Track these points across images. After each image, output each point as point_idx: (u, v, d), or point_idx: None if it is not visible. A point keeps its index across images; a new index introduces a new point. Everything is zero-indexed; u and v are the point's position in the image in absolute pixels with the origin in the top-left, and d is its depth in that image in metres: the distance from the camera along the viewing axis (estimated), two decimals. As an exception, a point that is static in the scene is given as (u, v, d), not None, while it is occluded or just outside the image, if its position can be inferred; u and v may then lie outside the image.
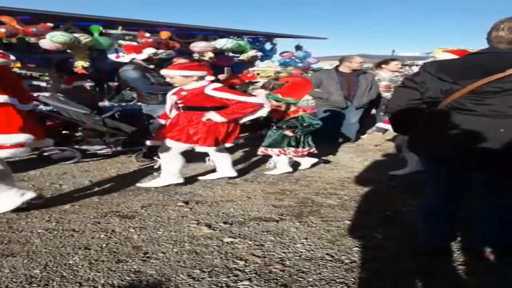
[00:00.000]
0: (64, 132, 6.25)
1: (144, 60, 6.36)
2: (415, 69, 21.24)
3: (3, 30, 7.12)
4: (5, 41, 7.68)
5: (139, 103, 6.72)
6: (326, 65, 24.11)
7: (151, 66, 6.44)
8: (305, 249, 3.32)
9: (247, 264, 3.07)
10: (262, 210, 4.20)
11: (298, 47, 12.07)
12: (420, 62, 21.90)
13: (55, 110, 6.05)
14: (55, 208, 4.12)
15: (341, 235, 3.59)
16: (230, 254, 3.21)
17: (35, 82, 10.01)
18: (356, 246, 3.36)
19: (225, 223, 3.84)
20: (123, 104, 8.25)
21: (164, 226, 3.74)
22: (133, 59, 6.38)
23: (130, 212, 4.07)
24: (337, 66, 7.37)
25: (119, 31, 9.37)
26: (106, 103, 8.27)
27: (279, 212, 4.13)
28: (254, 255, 3.21)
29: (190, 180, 5.13)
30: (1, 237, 3.44)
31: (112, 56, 9.46)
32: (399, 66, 7.67)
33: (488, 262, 3.03)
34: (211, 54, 9.69)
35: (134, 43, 9.37)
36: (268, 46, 11.85)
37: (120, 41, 9.42)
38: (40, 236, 3.48)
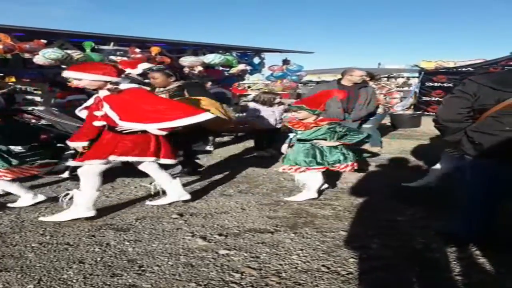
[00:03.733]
0: (58, 145, 6.11)
1: (139, 75, 6.27)
2: (401, 80, 21.45)
3: (0, 46, 7.06)
4: (0, 57, 7.62)
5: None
6: (314, 77, 24.23)
7: (146, 81, 6.35)
8: (301, 261, 3.23)
9: (243, 276, 2.97)
10: (257, 221, 4.11)
11: (285, 61, 12.11)
12: (406, 74, 22.13)
13: (49, 123, 5.94)
14: (49, 222, 4.00)
15: (336, 246, 3.51)
16: (225, 267, 3.11)
17: (29, 97, 9.90)
18: (352, 257, 3.27)
19: (220, 235, 3.74)
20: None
21: (159, 239, 3.63)
22: (128, 73, 6.29)
23: (124, 224, 3.96)
24: (339, 79, 7.26)
25: (111, 47, 9.37)
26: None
27: (274, 224, 4.03)
28: (250, 267, 3.11)
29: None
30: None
31: None
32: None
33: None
34: (200, 68, 9.70)
35: (125, 58, 9.35)
36: (256, 60, 11.90)
37: (112, 57, 9.41)
38: (34, 250, 3.37)
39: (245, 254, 3.32)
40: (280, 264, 3.16)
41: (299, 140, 4.94)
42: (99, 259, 3.23)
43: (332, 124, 4.95)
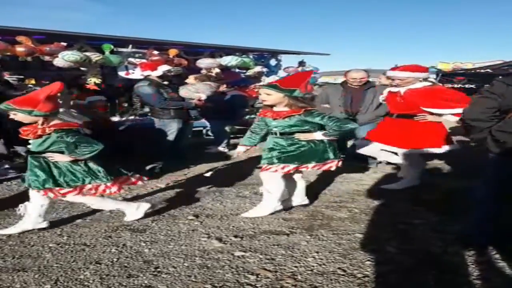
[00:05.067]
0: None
1: (158, 77, 6.29)
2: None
3: (22, 49, 7.17)
4: (20, 59, 7.71)
5: (152, 118, 6.62)
6: (330, 79, 24.12)
7: (165, 83, 6.37)
8: (317, 263, 3.20)
9: (258, 278, 2.96)
10: (273, 223, 4.08)
11: (301, 63, 12.06)
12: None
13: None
14: (67, 222, 4.02)
15: (352, 248, 3.47)
16: (241, 269, 3.10)
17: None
18: (369, 260, 3.24)
19: (235, 236, 3.73)
20: (135, 118, 8.21)
21: (175, 240, 3.63)
22: (148, 75, 6.32)
23: (140, 225, 3.96)
24: (344, 81, 7.00)
25: (129, 49, 9.45)
26: (117, 118, 8.23)
27: (290, 226, 4.00)
28: (265, 269, 3.09)
29: (199, 193, 5.01)
30: (13, 252, 3.35)
31: (122, 73, 9.53)
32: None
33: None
34: (217, 70, 9.73)
35: (144, 60, 9.42)
36: (273, 62, 11.89)
37: (130, 59, 9.49)
38: (52, 250, 3.38)
39: (261, 256, 3.31)
40: (296, 266, 3.14)
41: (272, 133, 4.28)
42: (115, 259, 3.24)
43: (314, 112, 4.16)
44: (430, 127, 5.16)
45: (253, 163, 6.65)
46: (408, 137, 5.16)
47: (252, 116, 10.11)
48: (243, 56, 10.28)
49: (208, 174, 5.94)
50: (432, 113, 5.08)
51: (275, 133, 4.22)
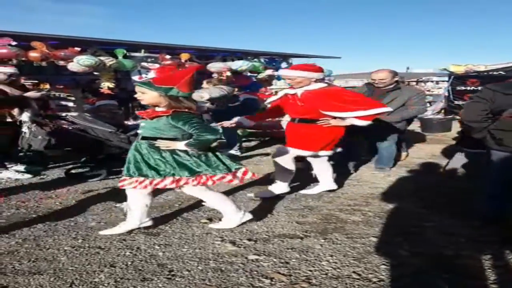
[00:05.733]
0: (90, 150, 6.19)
1: None
2: (430, 85, 21.12)
3: (37, 54, 7.25)
4: (35, 64, 7.79)
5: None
6: (342, 82, 24.10)
7: None
8: (331, 267, 3.17)
9: (272, 282, 2.93)
10: (286, 226, 4.05)
11: (312, 66, 12.04)
12: (435, 78, 21.77)
13: (82, 128, 6.03)
14: (81, 225, 4.03)
15: (367, 252, 3.43)
16: (255, 272, 3.07)
17: (63, 102, 10.07)
18: (383, 264, 3.20)
19: (249, 240, 3.70)
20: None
21: (189, 243, 3.62)
22: None
23: (155, 229, 3.95)
24: (368, 82, 6.76)
25: (142, 53, 9.54)
26: (131, 121, 8.26)
27: (303, 229, 3.97)
28: (279, 273, 3.07)
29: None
30: (29, 255, 3.34)
31: (135, 78, 9.61)
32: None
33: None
34: (228, 74, 9.77)
35: (157, 65, 9.49)
36: (284, 65, 11.89)
37: (143, 63, 9.57)
38: (67, 253, 3.38)
39: (275, 260, 3.28)
40: (310, 270, 3.11)
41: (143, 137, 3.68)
42: (129, 263, 3.23)
43: (183, 115, 3.51)
44: (329, 131, 4.91)
45: (265, 165, 6.64)
46: (313, 140, 4.93)
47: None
48: (254, 60, 10.30)
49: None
50: (335, 117, 4.83)
51: (141, 137, 3.69)
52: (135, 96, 3.68)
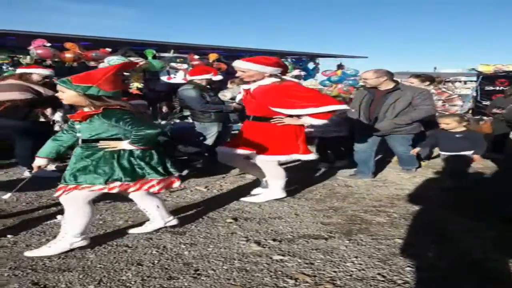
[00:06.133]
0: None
1: (201, 80, 6.30)
2: (458, 85, 20.74)
3: (70, 55, 7.35)
4: (67, 65, 7.91)
5: (193, 121, 6.65)
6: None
7: (208, 86, 6.40)
8: (356, 268, 3.13)
9: (297, 283, 2.91)
10: (311, 227, 4.03)
11: (340, 66, 11.96)
12: (463, 78, 21.38)
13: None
14: (110, 224, 4.07)
15: (392, 254, 3.38)
16: (279, 273, 3.06)
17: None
18: (409, 266, 3.15)
19: (274, 240, 3.69)
20: (176, 122, 8.29)
21: (214, 243, 3.62)
22: (192, 79, 6.35)
23: (180, 228, 3.96)
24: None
25: (171, 54, 9.59)
26: (159, 121, 8.33)
27: (328, 230, 3.94)
28: (304, 273, 3.05)
29: (237, 196, 4.98)
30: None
31: (164, 78, 9.67)
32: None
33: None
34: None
35: (185, 65, 9.53)
36: (311, 65, 11.83)
37: (172, 64, 9.61)
38: (95, 251, 3.41)
39: (299, 260, 3.26)
40: (335, 271, 3.08)
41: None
42: (156, 261, 3.24)
43: (115, 111, 3.24)
44: (284, 131, 4.61)
45: (291, 165, 6.61)
46: (264, 143, 4.61)
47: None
48: (282, 60, 10.29)
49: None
50: (288, 115, 4.56)
51: (80, 141, 3.42)
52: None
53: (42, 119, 5.98)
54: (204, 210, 4.51)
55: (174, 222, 3.90)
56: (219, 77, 6.74)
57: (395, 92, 5.70)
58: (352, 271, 3.09)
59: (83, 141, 3.37)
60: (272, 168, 4.79)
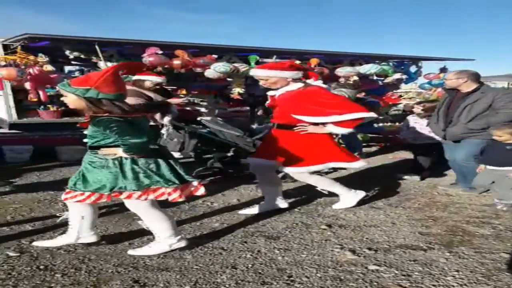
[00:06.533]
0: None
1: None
2: None
3: (179, 62, 7.67)
4: (175, 72, 8.23)
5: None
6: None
7: None
8: (457, 283, 2.93)
9: (393, 296, 2.77)
10: (409, 237, 3.84)
11: (443, 69, 11.41)
12: None
13: (212, 131, 6.23)
14: (206, 225, 4.14)
15: (497, 269, 3.14)
16: (375, 283, 2.93)
17: (197, 107, 10.56)
18: (516, 284, 2.90)
19: (369, 249, 3.55)
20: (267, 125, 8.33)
21: (308, 249, 3.55)
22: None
23: (275, 232, 3.94)
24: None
25: (273, 59, 9.71)
26: (255, 125, 8.41)
27: (427, 241, 3.74)
28: (401, 285, 2.90)
29: (332, 202, 4.87)
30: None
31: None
32: None
33: None
34: (355, 78, 9.60)
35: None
36: (413, 69, 11.40)
37: None
38: (192, 252, 3.46)
39: (396, 272, 3.11)
40: (434, 285, 2.91)
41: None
42: (250, 265, 3.23)
43: (102, 119, 3.06)
44: (310, 140, 4.34)
45: (386, 171, 6.40)
46: (291, 152, 4.34)
47: (387, 124, 9.80)
48: (383, 63, 10.01)
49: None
50: (312, 123, 4.32)
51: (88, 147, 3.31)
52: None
53: (151, 123, 6.28)
54: (298, 216, 4.46)
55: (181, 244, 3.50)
56: (318, 82, 6.68)
57: (475, 94, 5.16)
58: (453, 285, 2.90)
59: (89, 147, 3.28)
60: (309, 179, 4.62)
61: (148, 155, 3.19)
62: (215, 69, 7.92)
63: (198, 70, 8.25)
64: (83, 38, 8.03)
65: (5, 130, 7.20)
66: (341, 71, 9.44)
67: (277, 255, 3.44)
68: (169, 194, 3.21)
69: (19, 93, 7.43)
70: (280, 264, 3.25)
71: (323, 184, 4.67)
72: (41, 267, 3.10)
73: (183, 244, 3.47)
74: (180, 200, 3.28)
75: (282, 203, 4.59)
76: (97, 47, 7.36)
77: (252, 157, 4.79)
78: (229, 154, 6.22)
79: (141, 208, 3.33)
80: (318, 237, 3.83)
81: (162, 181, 3.18)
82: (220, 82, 9.44)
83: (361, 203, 4.80)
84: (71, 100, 3.13)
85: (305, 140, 4.36)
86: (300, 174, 4.54)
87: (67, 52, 7.68)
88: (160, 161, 3.24)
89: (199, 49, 8.56)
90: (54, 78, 7.64)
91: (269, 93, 4.62)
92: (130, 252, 3.43)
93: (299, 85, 4.33)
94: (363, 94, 8.98)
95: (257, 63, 9.14)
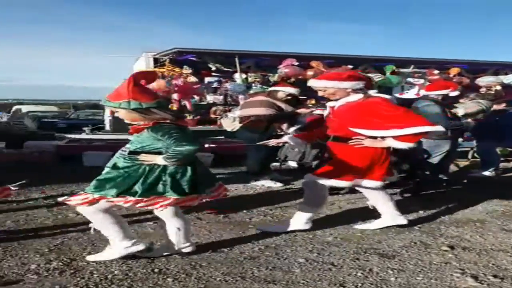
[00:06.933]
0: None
1: (438, 95, 5.94)
2: None
3: (311, 73, 7.76)
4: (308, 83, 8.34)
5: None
6: None
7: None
8: None
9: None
10: (544, 265, 3.39)
11: None
12: None
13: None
14: (319, 239, 4.01)
15: None
16: (496, 316, 2.62)
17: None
18: None
19: (495, 276, 3.19)
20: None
21: (424, 272, 3.28)
22: (428, 95, 6.04)
23: (390, 251, 3.71)
24: None
25: (410, 69, 9.44)
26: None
27: None
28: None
29: (457, 222, 4.48)
30: (267, 262, 3.43)
31: (396, 93, 9.55)
32: None
33: None
34: (498, 88, 8.95)
35: (422, 81, 9.26)
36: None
37: (408, 79, 9.48)
38: (301, 265, 3.37)
39: (523, 305, 2.75)
40: None
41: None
42: (360, 284, 3.06)
43: (163, 125, 3.19)
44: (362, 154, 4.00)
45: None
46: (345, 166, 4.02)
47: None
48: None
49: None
50: (369, 136, 3.96)
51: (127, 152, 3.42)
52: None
53: (278, 133, 6.37)
54: (418, 234, 4.17)
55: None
56: (455, 93, 6.29)
57: None
58: None
59: (129, 152, 3.34)
60: (371, 192, 4.30)
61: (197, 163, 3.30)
62: None
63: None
64: (225, 51, 8.51)
65: None
66: (483, 81, 8.90)
67: (390, 275, 3.22)
68: (168, 204, 3.22)
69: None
70: (392, 286, 3.04)
71: (382, 201, 4.32)
72: (156, 270, 3.21)
73: (140, 247, 3.35)
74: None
75: (400, 219, 4.29)
76: (236, 59, 7.70)
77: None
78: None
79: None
80: (438, 259, 3.53)
81: (171, 191, 3.17)
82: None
83: (490, 224, 4.37)
84: (123, 114, 3.24)
85: (357, 154, 4.07)
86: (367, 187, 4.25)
87: (210, 64, 8.15)
88: (188, 168, 3.25)
89: (334, 60, 8.60)
90: (196, 89, 8.13)
91: (328, 104, 4.38)
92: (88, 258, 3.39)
93: (359, 96, 4.07)
94: (504, 105, 8.27)
95: (393, 73, 8.97)
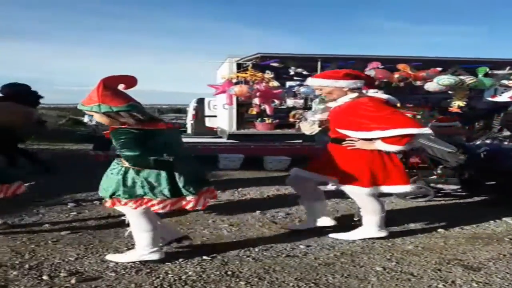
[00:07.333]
0: (421, 166, 5.94)
1: None
2: None
3: (397, 76, 7.59)
4: (394, 85, 8.12)
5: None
6: None
7: None
8: None
9: None
10: None
11: None
12: None
13: (419, 146, 5.83)
14: (398, 247, 3.81)
15: None
16: None
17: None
18: None
19: None
20: (494, 142, 7.48)
21: (513, 286, 3.00)
22: None
23: (475, 262, 3.44)
24: None
25: (505, 71, 8.92)
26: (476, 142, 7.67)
27: None
28: None
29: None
30: (342, 269, 3.30)
31: (488, 96, 9.05)
32: None
33: None
34: None
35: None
36: None
37: (503, 81, 8.95)
38: (378, 274, 3.21)
39: None
40: None
41: None
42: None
43: (118, 130, 3.12)
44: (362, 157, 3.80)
45: None
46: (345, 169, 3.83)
47: None
48: None
49: None
50: (361, 138, 3.79)
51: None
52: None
53: None
54: (509, 246, 3.85)
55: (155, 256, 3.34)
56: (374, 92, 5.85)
57: None
58: None
59: (116, 155, 3.34)
60: (361, 199, 3.99)
61: (156, 167, 3.16)
62: (438, 82, 7.62)
63: (418, 83, 7.94)
64: (308, 55, 8.45)
65: (224, 140, 7.90)
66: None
67: (476, 289, 2.98)
68: (154, 205, 3.21)
69: (241, 107, 8.09)
70: (477, 300, 2.81)
71: (371, 212, 3.97)
72: (229, 272, 3.20)
73: (154, 257, 3.29)
74: (161, 211, 3.27)
75: (382, 233, 3.99)
76: (319, 63, 7.63)
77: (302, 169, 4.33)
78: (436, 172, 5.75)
79: (133, 215, 3.30)
80: (525, 273, 3.22)
81: (149, 192, 3.17)
82: (438, 95, 8.95)
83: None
84: (98, 118, 3.25)
85: (353, 156, 3.86)
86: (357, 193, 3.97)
87: (292, 69, 8.13)
88: (163, 173, 3.18)
89: (422, 62, 8.32)
90: (277, 93, 8.15)
91: (329, 104, 4.21)
92: (108, 257, 3.42)
93: (353, 95, 3.91)
94: None
95: (486, 75, 8.52)
